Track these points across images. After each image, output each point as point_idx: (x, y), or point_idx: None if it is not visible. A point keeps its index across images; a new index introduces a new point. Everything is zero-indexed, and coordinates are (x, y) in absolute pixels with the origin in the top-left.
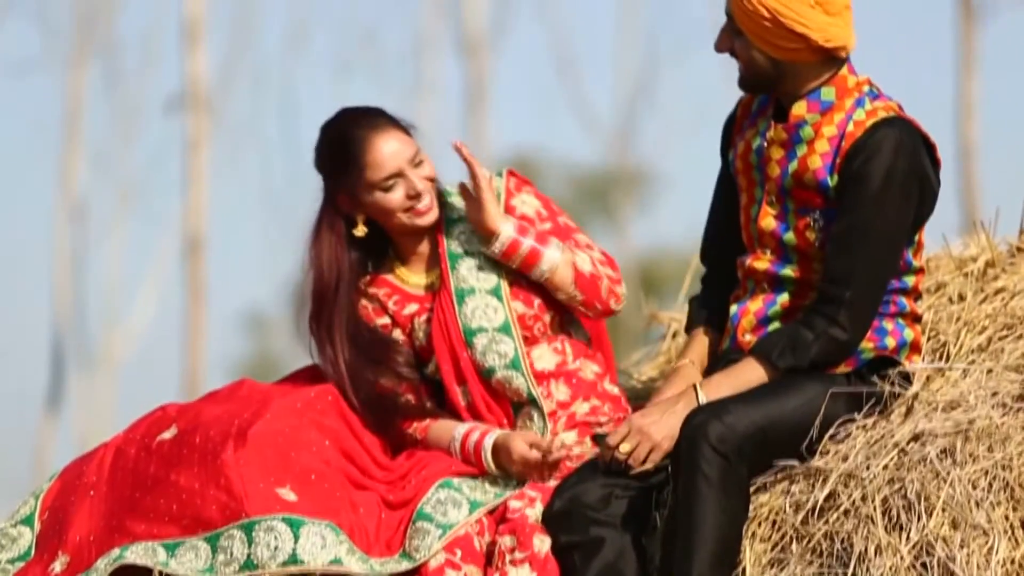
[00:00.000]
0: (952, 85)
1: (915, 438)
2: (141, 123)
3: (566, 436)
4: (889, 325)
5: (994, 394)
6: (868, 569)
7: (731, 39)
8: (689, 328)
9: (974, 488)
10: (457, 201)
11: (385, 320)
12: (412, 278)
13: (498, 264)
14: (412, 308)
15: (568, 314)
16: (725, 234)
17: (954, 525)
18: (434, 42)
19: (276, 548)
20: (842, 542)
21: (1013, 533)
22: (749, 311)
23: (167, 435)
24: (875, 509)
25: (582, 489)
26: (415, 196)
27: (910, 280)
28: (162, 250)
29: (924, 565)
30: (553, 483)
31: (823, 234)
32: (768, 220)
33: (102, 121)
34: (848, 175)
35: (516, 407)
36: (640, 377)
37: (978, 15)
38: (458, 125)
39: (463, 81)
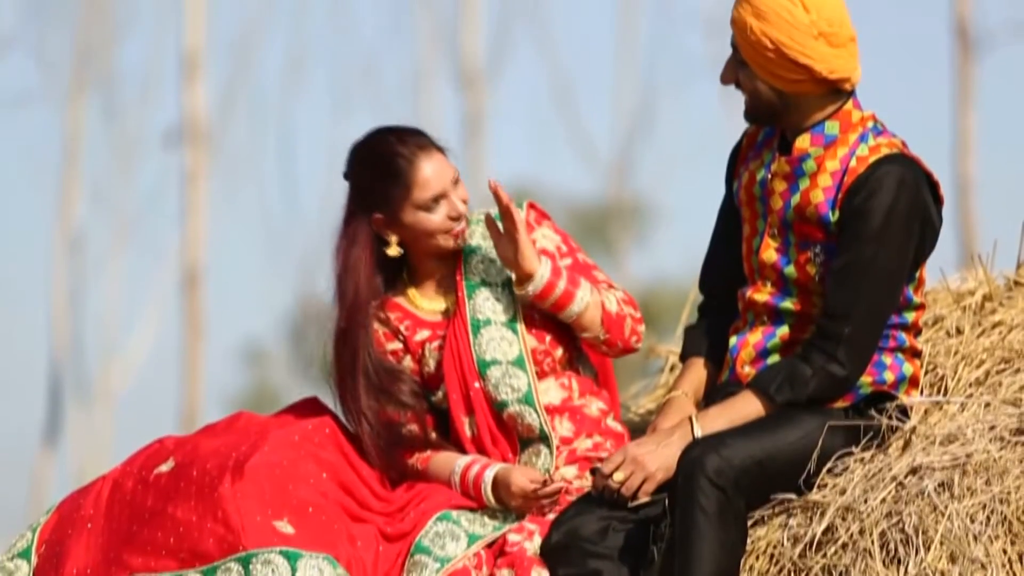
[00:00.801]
0: (949, 119)
1: (913, 472)
2: (140, 156)
3: (566, 471)
4: (888, 360)
5: (992, 428)
6: None
7: (736, 70)
8: (684, 357)
9: (972, 522)
10: (478, 228)
11: (396, 345)
12: (425, 303)
13: (515, 297)
14: (424, 334)
15: (577, 350)
16: (725, 264)
17: (952, 559)
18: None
19: None
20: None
21: (1011, 567)
22: (748, 343)
23: (164, 468)
24: (873, 543)
25: (580, 522)
26: (456, 218)
27: (910, 316)
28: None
29: None
30: (551, 516)
31: (823, 268)
32: (770, 252)
33: (101, 154)
34: (849, 211)
35: (524, 442)
36: (638, 410)
37: (975, 49)
38: (456, 157)
39: (461, 114)
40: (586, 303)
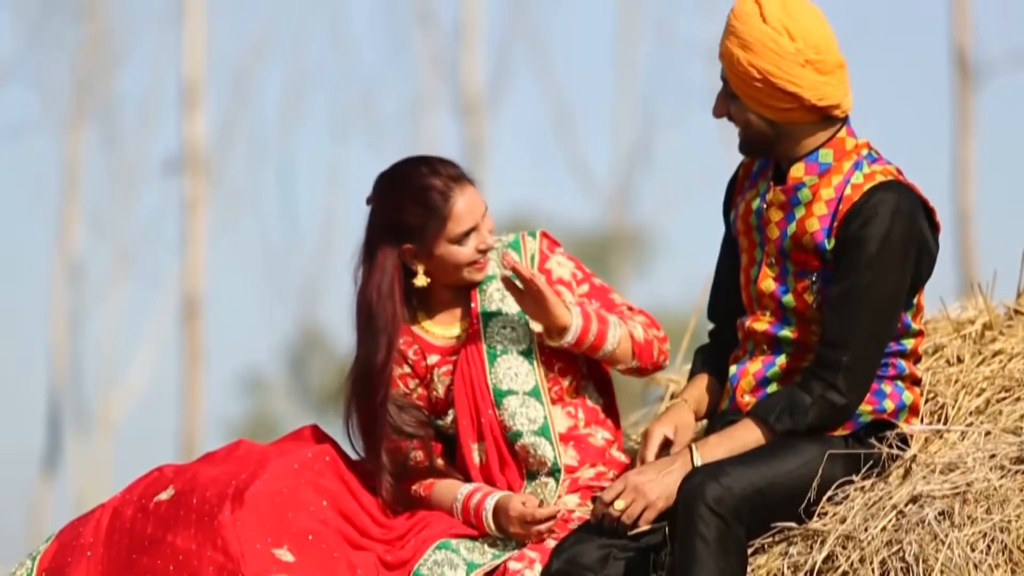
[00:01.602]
0: (949, 149)
1: (913, 500)
2: (139, 184)
3: (568, 499)
4: (888, 388)
5: (992, 456)
6: None
7: (727, 103)
8: (692, 375)
9: (972, 550)
10: (494, 256)
11: (405, 370)
12: (436, 328)
13: (530, 326)
14: (433, 359)
15: (584, 379)
16: (730, 293)
17: None
18: (432, 103)
19: None
20: None
21: None
22: (748, 372)
23: (164, 496)
24: (873, 571)
25: (580, 550)
26: (484, 251)
27: (909, 343)
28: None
29: None
30: (552, 544)
31: (821, 296)
32: (768, 282)
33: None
34: (845, 238)
35: (532, 473)
36: (637, 439)
37: (974, 78)
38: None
39: (461, 142)
40: (618, 339)
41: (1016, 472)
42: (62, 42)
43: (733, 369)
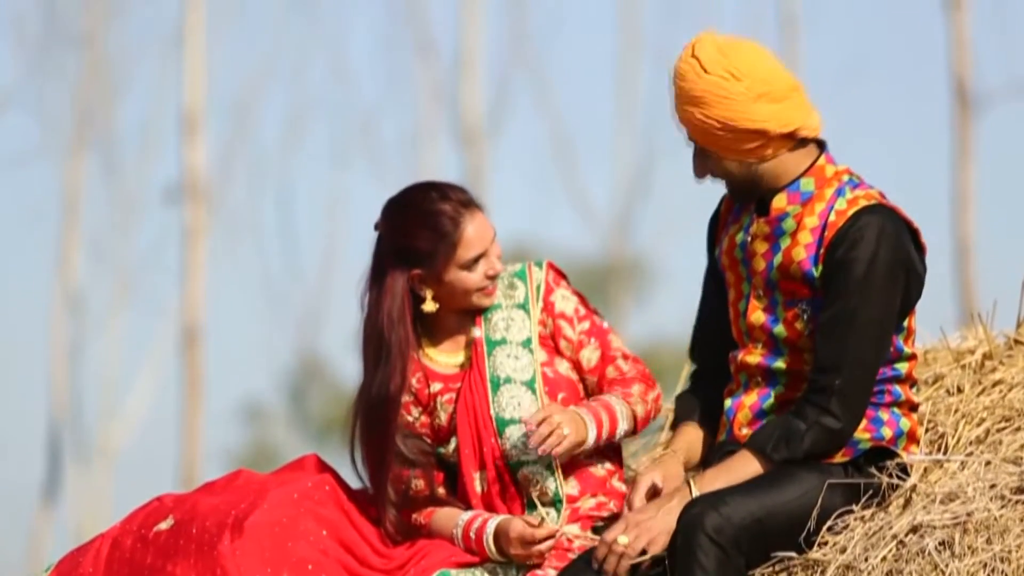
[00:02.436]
0: (948, 179)
1: (913, 530)
2: (139, 213)
3: (568, 528)
4: (885, 415)
5: (992, 486)
6: None
7: (703, 162)
8: (675, 424)
9: None
10: (500, 283)
11: (408, 398)
12: (439, 356)
13: (534, 355)
14: (436, 387)
15: None
16: (714, 330)
17: None
18: (432, 132)
19: None
20: None
21: None
22: (744, 405)
23: (164, 526)
24: None
25: None
26: (493, 277)
27: (903, 367)
28: (159, 340)
29: None
30: (553, 573)
31: (812, 325)
32: (758, 314)
33: (100, 211)
34: (833, 264)
35: (532, 503)
36: (638, 468)
37: (974, 108)
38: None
39: (461, 170)
40: (625, 430)
41: (1016, 502)
42: (63, 71)
43: (728, 402)
